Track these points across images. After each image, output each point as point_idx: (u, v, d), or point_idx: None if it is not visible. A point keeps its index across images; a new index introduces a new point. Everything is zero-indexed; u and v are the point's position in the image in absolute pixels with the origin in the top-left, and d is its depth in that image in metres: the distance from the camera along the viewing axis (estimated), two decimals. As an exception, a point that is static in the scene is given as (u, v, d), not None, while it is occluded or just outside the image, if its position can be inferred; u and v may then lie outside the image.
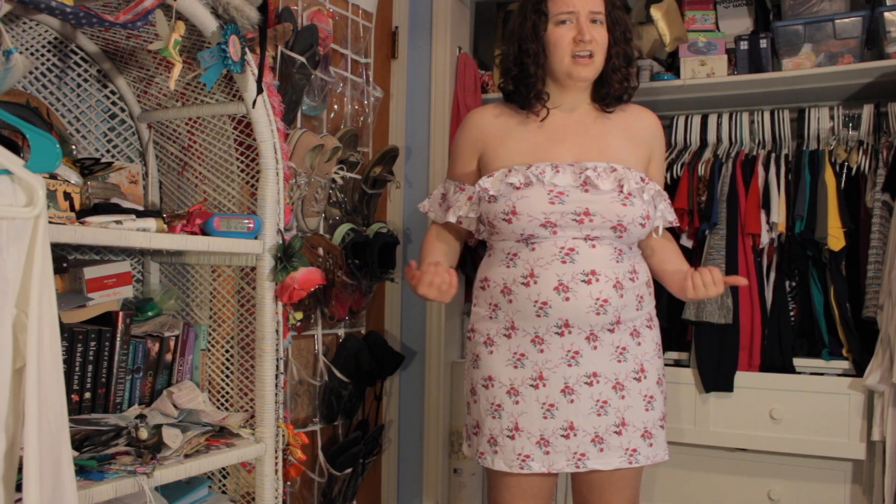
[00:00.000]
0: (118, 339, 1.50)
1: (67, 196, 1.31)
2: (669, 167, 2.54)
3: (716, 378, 2.35)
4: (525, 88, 1.70)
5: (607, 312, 1.59)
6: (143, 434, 1.39)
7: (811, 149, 2.43)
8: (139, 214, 1.39)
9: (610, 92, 1.71)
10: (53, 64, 1.55)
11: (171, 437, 1.41)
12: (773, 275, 2.40)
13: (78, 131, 1.61)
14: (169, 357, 1.63)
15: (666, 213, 1.76)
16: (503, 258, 1.64)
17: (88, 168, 1.48)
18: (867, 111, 2.38)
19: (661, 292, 2.56)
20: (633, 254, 1.68)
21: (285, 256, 1.56)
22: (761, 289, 2.38)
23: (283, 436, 1.61)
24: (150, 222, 1.38)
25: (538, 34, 1.67)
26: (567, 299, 1.57)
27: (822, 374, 2.33)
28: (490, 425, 1.65)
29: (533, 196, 1.58)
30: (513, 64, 1.71)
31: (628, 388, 1.64)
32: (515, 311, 1.62)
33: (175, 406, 1.56)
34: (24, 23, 1.47)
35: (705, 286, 1.65)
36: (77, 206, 1.33)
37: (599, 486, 1.67)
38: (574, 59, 1.64)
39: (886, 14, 2.28)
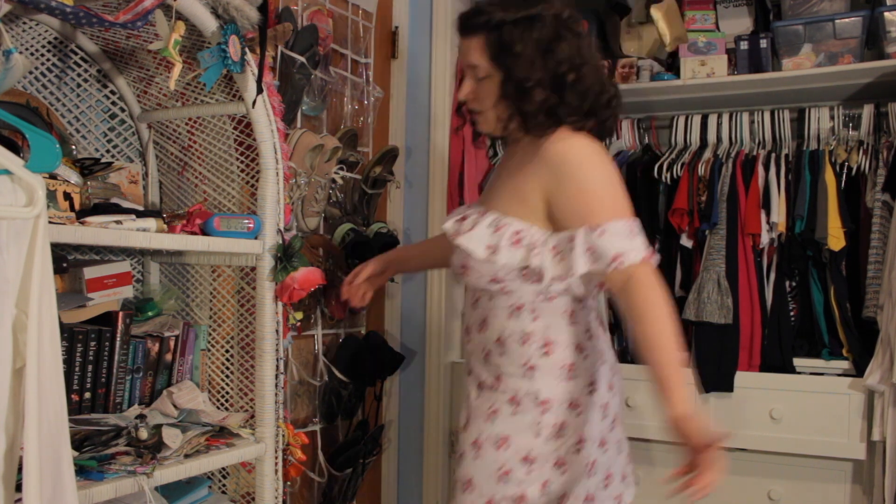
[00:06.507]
0: (118, 339, 1.50)
1: (67, 196, 1.31)
2: (670, 167, 2.55)
3: (716, 378, 2.35)
4: None
5: (465, 352, 1.65)
6: (143, 434, 1.39)
7: (811, 149, 2.43)
8: (139, 214, 1.39)
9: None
10: (53, 64, 1.55)
11: (171, 437, 1.41)
12: (773, 275, 2.40)
13: (78, 131, 1.61)
14: (169, 357, 1.63)
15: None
16: None
17: (88, 168, 1.48)
18: (867, 111, 2.38)
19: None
20: (491, 305, 1.55)
21: (285, 256, 1.56)
22: (761, 289, 2.38)
23: (283, 436, 1.61)
24: (150, 222, 1.38)
25: None
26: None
27: (822, 374, 2.33)
28: None
29: None
30: None
31: (460, 432, 1.61)
32: None
33: (175, 406, 1.56)
34: (24, 23, 1.46)
35: None
36: (77, 206, 1.33)
37: None
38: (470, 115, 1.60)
39: (886, 14, 2.28)
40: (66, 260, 1.51)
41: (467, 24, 1.52)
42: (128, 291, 1.60)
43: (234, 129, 1.65)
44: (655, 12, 2.50)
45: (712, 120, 2.58)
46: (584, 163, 1.47)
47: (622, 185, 1.50)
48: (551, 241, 1.47)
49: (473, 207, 1.61)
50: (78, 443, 1.31)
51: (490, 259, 1.48)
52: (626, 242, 1.41)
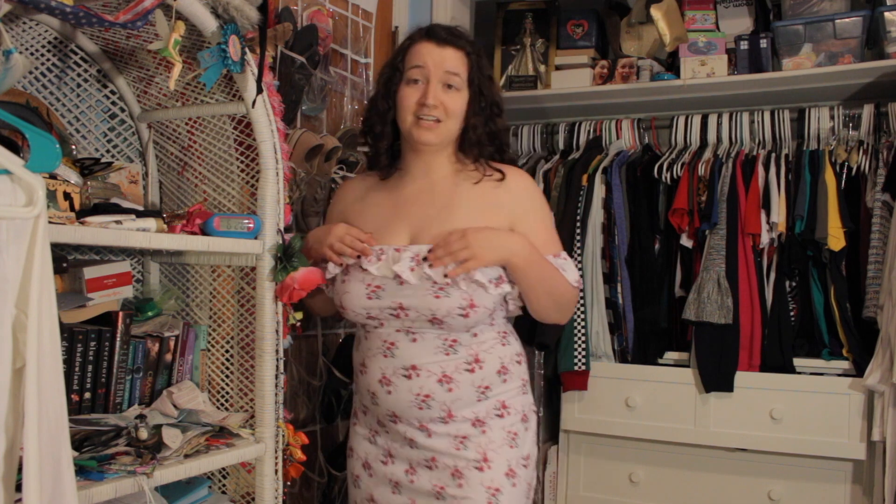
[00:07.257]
0: (118, 339, 1.50)
1: (67, 196, 1.30)
2: (670, 167, 2.54)
3: (716, 378, 2.35)
4: (373, 149, 1.69)
5: (431, 407, 1.56)
6: (143, 434, 1.39)
7: (811, 149, 2.44)
8: (139, 214, 1.39)
9: (467, 164, 1.64)
10: (53, 64, 1.55)
11: (171, 437, 1.41)
12: (773, 275, 2.40)
13: (78, 131, 1.61)
14: (169, 357, 1.62)
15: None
16: (358, 337, 1.69)
17: (88, 168, 1.48)
18: (867, 111, 2.38)
19: (660, 293, 2.57)
20: (477, 341, 1.57)
21: (285, 256, 1.56)
22: (761, 289, 2.38)
23: (283, 436, 1.61)
24: (150, 222, 1.38)
25: (390, 91, 1.62)
26: (389, 392, 1.57)
27: (822, 374, 2.33)
28: (352, 494, 1.72)
29: (352, 291, 1.58)
30: (365, 122, 1.70)
31: (467, 476, 1.54)
32: (361, 392, 1.67)
33: (175, 406, 1.56)
34: (24, 23, 1.46)
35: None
36: (77, 206, 1.33)
37: None
38: (417, 121, 1.57)
39: (886, 14, 2.28)
40: (66, 260, 1.51)
41: (453, 36, 1.60)
42: (128, 291, 1.60)
43: (234, 129, 1.64)
44: (655, 12, 2.50)
45: (712, 120, 2.58)
46: (541, 197, 1.69)
47: None
48: None
49: (408, 249, 1.56)
50: (78, 443, 1.31)
51: (498, 290, 1.55)
52: (575, 269, 1.64)
